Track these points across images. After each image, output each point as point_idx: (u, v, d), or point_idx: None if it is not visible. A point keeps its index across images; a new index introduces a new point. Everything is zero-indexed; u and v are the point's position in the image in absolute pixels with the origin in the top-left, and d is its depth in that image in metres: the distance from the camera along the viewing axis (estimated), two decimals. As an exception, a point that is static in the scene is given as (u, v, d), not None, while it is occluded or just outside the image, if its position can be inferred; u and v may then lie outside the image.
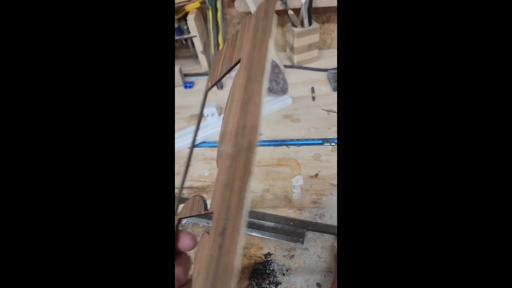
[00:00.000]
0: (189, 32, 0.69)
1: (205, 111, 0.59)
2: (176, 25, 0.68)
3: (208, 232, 0.19)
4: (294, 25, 0.68)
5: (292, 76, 0.70)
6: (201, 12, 0.73)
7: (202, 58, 0.74)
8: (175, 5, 0.68)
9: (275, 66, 0.68)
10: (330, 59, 0.75)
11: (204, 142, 0.56)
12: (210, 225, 0.19)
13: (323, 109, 0.59)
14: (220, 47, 0.71)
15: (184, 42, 0.73)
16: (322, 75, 0.70)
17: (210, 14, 0.70)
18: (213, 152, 0.53)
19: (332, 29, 0.76)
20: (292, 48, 0.72)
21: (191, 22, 0.67)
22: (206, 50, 0.74)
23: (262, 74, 0.21)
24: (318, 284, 0.34)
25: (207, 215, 0.23)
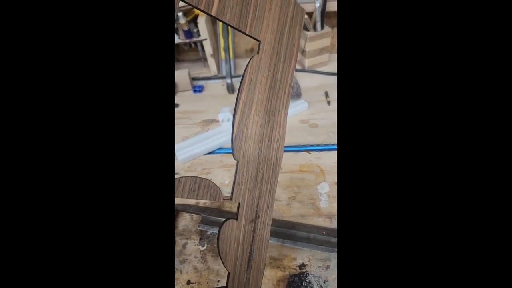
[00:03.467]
0: (199, 35, 0.68)
1: (220, 116, 0.58)
2: (186, 28, 0.66)
3: (236, 219, 0.25)
4: (306, 29, 0.67)
5: (304, 81, 0.69)
6: (210, 15, 0.72)
7: (211, 61, 0.72)
8: (185, 8, 0.66)
9: (287, 70, 0.67)
10: (340, 63, 0.75)
11: (220, 148, 0.54)
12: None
13: (340, 114, 0.58)
14: (231, 49, 0.70)
15: (193, 45, 0.71)
16: (334, 79, 0.69)
17: (220, 17, 0.69)
18: (231, 159, 0.52)
19: (341, 33, 0.76)
20: (303, 52, 0.71)
21: (202, 25, 0.65)
22: (215, 54, 0.72)
23: (286, 98, 0.29)
24: (358, 296, 0.32)
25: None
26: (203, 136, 0.56)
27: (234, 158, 0.26)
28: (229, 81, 0.68)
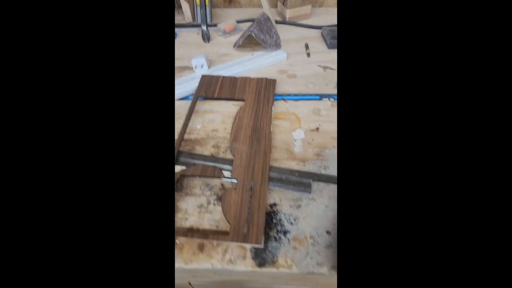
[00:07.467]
0: (171, -27, 0.61)
1: (193, 62, 0.54)
2: (156, -37, 0.59)
3: (235, 189, 0.35)
4: (289, -25, 0.63)
5: (284, 33, 0.66)
6: (184, -47, 0.65)
7: (185, 6, 0.66)
8: None
9: (267, 19, 0.63)
10: (322, 17, 0.72)
11: (193, 94, 0.51)
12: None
13: (319, 66, 0.57)
14: (207, -6, 0.64)
15: (165, -15, 0.64)
16: (315, 33, 0.66)
17: (195, -45, 0.62)
18: (203, 105, 0.49)
19: (325, -15, 0.72)
20: (284, 2, 0.67)
21: (175, -39, 0.59)
22: (190, -2, 0.66)
23: (268, 121, 0.44)
24: (328, 232, 0.33)
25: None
26: (176, 82, 0.52)
27: (231, 154, 0.40)
28: (204, 28, 0.63)
